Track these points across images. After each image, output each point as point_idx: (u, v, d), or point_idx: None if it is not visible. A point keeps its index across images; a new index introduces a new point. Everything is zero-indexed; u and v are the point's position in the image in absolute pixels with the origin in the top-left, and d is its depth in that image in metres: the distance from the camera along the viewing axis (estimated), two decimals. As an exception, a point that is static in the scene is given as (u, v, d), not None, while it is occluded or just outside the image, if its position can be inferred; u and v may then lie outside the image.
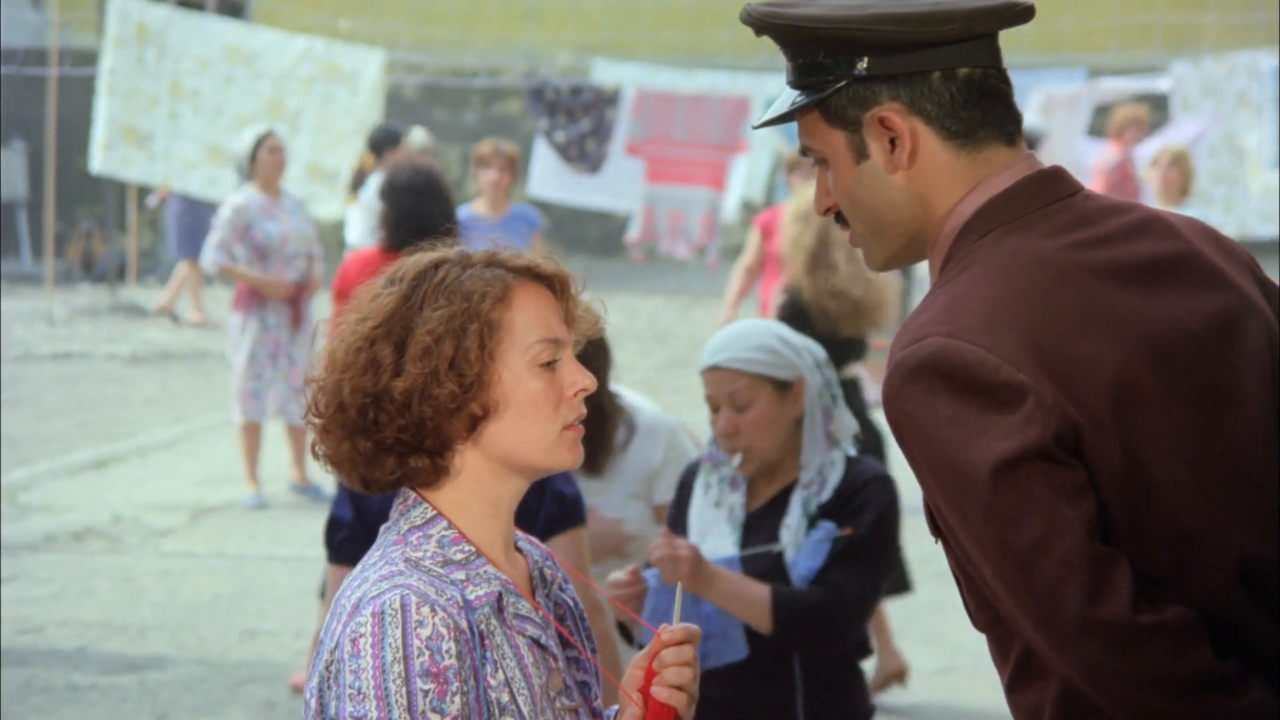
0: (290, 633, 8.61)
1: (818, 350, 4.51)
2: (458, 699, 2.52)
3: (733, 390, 4.44)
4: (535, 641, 2.65)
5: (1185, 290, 2.54)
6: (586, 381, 2.68)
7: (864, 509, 4.40)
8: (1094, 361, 2.45)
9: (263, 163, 11.34)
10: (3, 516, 10.70)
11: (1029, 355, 2.44)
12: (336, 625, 2.59)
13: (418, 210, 8.21)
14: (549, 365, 2.66)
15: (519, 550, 2.76)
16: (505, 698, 2.58)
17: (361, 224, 12.94)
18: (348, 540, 4.47)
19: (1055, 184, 2.62)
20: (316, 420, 2.68)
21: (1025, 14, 2.63)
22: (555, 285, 2.71)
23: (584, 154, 16.58)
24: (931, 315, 2.51)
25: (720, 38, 21.69)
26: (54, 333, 18.47)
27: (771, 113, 2.68)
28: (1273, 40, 17.27)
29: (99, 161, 15.12)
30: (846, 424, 4.51)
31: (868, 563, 4.36)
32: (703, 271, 21.28)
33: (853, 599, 4.32)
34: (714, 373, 4.48)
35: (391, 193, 8.35)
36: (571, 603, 2.81)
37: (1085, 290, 2.50)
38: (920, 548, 7.70)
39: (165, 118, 14.99)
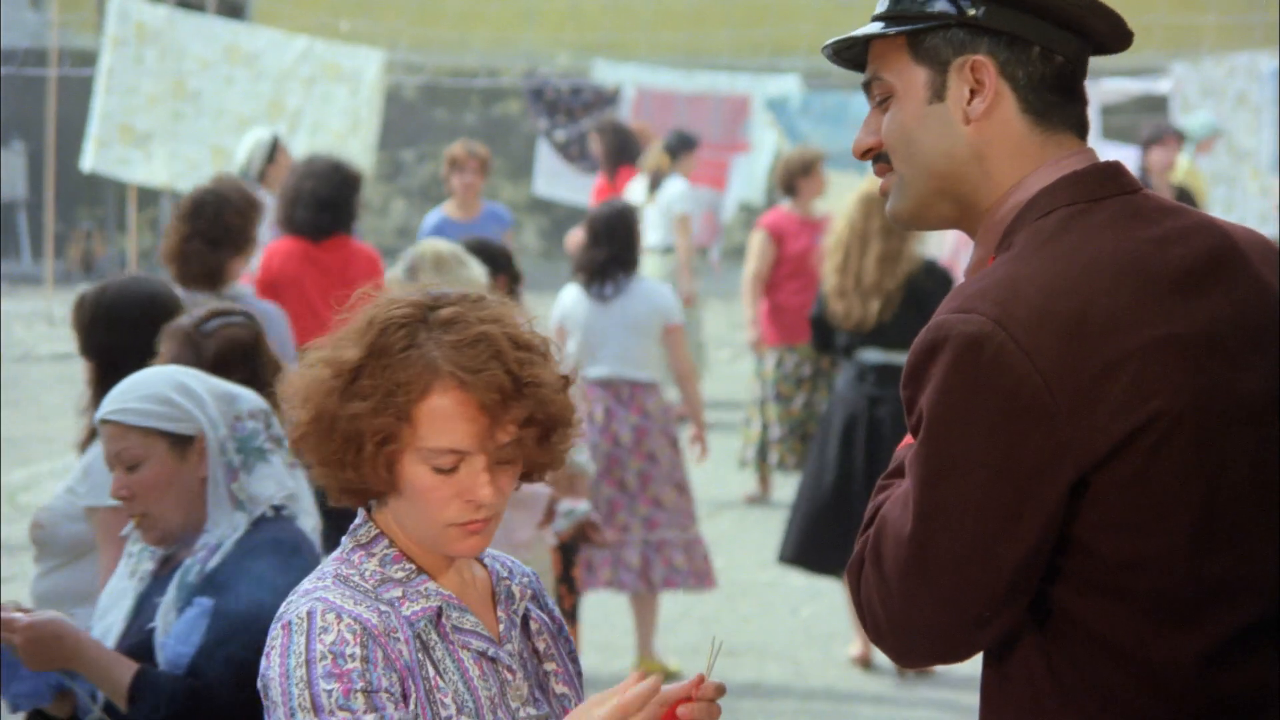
0: (290, 633, 8.60)
1: (236, 401, 4.01)
2: (360, 697, 2.55)
3: (121, 448, 3.90)
4: (483, 654, 2.67)
5: (1228, 301, 2.53)
6: (483, 498, 2.65)
7: (236, 581, 3.83)
8: (1134, 368, 2.44)
9: (281, 166, 11.15)
10: (3, 517, 10.69)
11: (1069, 364, 2.43)
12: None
13: (321, 196, 8.15)
14: (446, 470, 2.65)
15: (484, 565, 2.79)
16: (450, 710, 2.62)
17: (660, 226, 13.26)
18: None
19: (1121, 177, 2.61)
20: (295, 433, 2.72)
21: (1127, 38, 2.65)
22: (486, 400, 2.64)
23: (584, 154, 16.59)
24: (985, 288, 2.49)
25: (720, 38, 21.70)
26: (54, 333, 18.48)
27: (858, 31, 2.67)
28: (1272, 41, 17.27)
29: (91, 159, 15.10)
30: (258, 484, 3.97)
31: (238, 645, 3.78)
32: (704, 272, 21.23)
33: (222, 689, 3.74)
34: (103, 427, 3.95)
35: (295, 180, 8.31)
36: (548, 619, 2.84)
37: (1139, 292, 2.48)
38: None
39: (167, 117, 14.99)
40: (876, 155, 2.68)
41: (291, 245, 8.29)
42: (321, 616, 2.58)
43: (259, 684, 2.64)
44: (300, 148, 14.87)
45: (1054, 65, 2.59)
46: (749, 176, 17.92)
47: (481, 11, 23.62)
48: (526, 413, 2.65)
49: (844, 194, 14.13)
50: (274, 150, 11.08)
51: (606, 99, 16.86)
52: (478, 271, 6.23)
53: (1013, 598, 2.47)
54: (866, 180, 8.60)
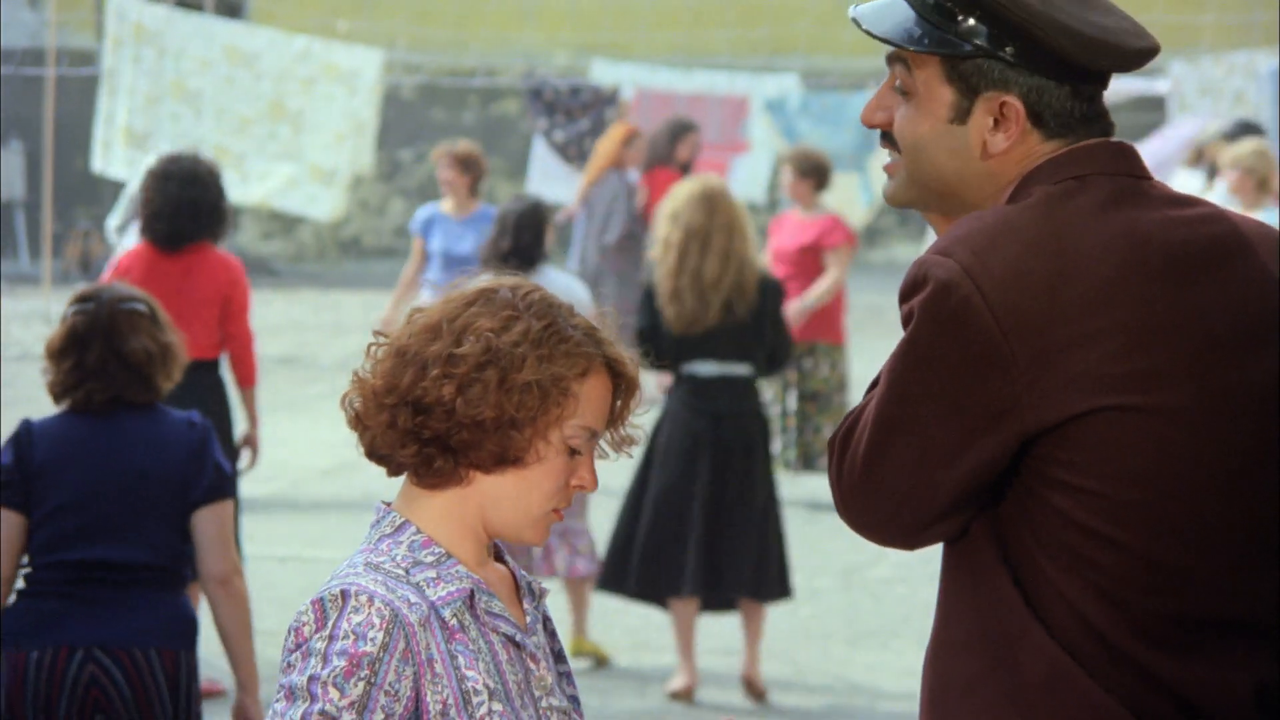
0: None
1: None
2: (360, 685, 2.59)
3: None
4: (510, 640, 2.70)
5: (1225, 292, 2.52)
6: (590, 483, 2.73)
7: None
8: (1104, 345, 2.45)
9: None
10: (1, 517, 10.69)
11: (1036, 325, 2.46)
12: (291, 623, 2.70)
13: (184, 200, 7.97)
14: (573, 451, 2.71)
15: (503, 563, 2.81)
16: (483, 688, 2.64)
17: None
18: (5, 485, 4.75)
19: (1131, 160, 2.62)
20: (372, 379, 2.70)
21: (1143, 58, 2.65)
22: (622, 387, 2.75)
23: (583, 153, 16.58)
24: (971, 231, 2.52)
25: (719, 37, 21.69)
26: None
27: (888, 33, 2.63)
28: (1271, 41, 17.29)
29: (100, 161, 15.11)
30: None
31: None
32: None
33: None
34: None
35: (155, 182, 8.11)
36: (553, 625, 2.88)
37: (1126, 270, 2.49)
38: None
39: (166, 118, 14.99)
40: (884, 133, 2.67)
41: (141, 250, 8.01)
42: (355, 597, 2.62)
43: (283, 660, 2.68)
44: (303, 148, 14.89)
45: (1085, 96, 2.60)
46: (749, 176, 17.92)
47: (480, 11, 23.62)
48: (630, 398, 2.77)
49: (844, 193, 14.16)
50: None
51: (605, 98, 16.85)
52: None
53: (952, 513, 2.56)
54: (699, 179, 8.42)
